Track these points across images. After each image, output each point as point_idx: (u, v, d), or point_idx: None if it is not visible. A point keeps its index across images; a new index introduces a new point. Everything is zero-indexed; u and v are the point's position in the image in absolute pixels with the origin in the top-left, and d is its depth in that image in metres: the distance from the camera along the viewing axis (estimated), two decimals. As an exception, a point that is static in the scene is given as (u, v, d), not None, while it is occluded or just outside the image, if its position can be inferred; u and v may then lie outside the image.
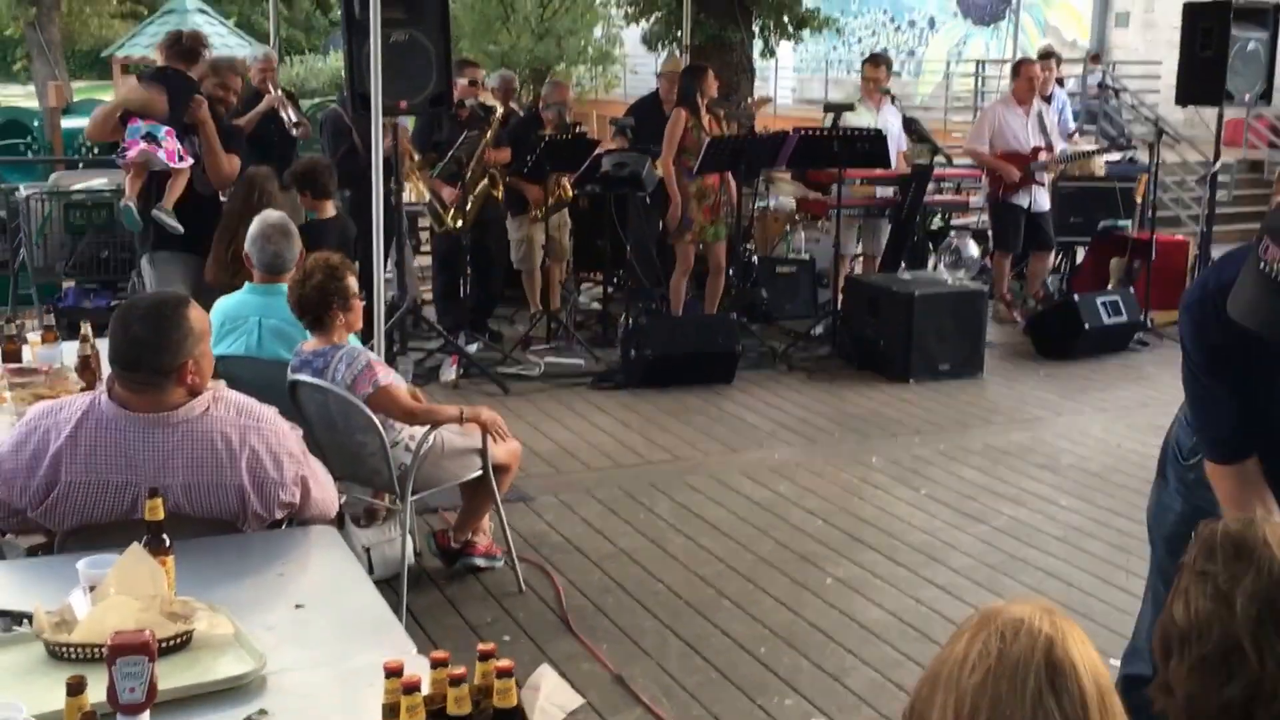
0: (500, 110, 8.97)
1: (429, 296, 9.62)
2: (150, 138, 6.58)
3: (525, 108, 10.01)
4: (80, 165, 12.54)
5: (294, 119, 9.14)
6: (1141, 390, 8.40)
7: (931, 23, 30.44)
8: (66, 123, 15.47)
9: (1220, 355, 2.85)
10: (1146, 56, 21.46)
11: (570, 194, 9.46)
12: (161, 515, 2.81)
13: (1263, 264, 2.47)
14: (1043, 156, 9.87)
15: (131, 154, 6.59)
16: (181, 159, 6.68)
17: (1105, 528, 5.99)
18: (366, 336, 6.66)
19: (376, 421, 4.67)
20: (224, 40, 15.93)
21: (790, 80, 29.94)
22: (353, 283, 4.76)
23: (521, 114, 9.81)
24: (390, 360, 7.12)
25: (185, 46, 6.80)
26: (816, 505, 6.20)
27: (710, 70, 9.28)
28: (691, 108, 8.83)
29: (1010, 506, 6.26)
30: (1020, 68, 10.21)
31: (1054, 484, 6.61)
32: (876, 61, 9.99)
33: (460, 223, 8.69)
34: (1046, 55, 11.69)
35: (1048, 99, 10.75)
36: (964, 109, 22.83)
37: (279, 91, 9.26)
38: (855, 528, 5.93)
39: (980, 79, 22.03)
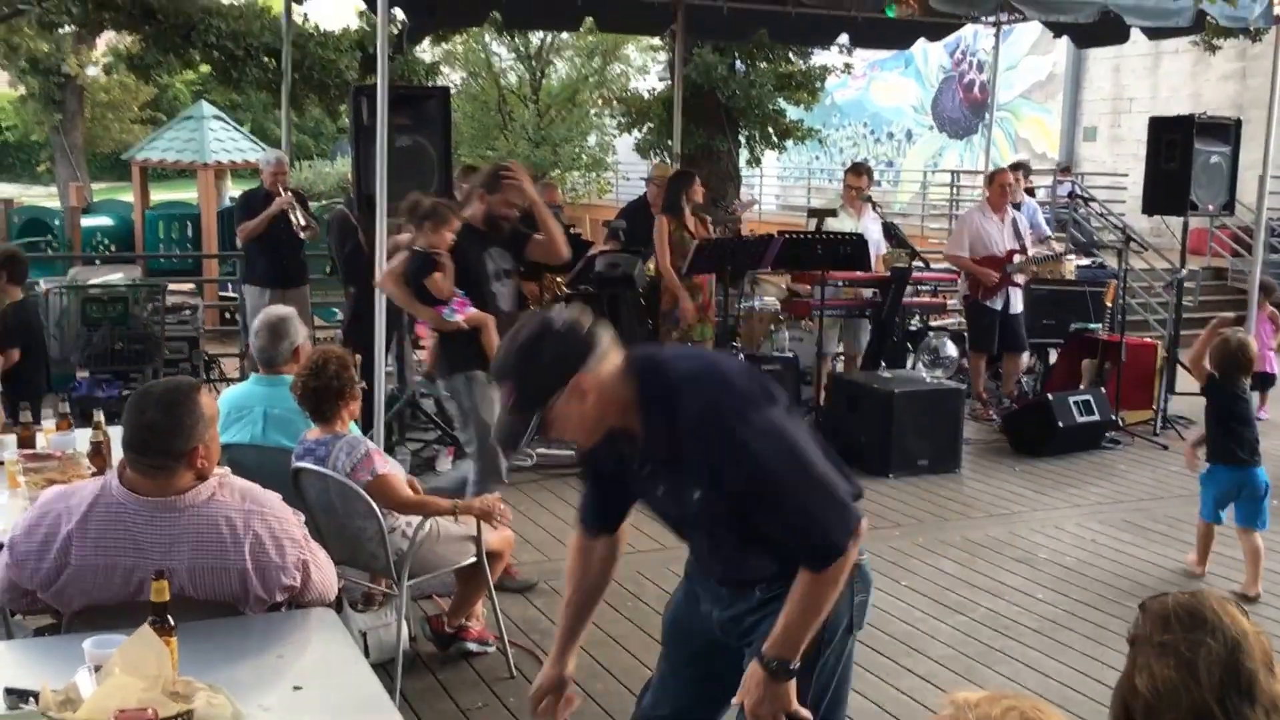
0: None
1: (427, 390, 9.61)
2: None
3: (523, 210, 10.05)
4: (97, 261, 12.59)
5: (302, 222, 9.21)
6: (1114, 486, 8.39)
7: (909, 135, 30.86)
8: (86, 221, 15.57)
9: (588, 458, 3.20)
10: (1113, 168, 21.72)
11: (563, 290, 9.48)
12: (166, 597, 2.79)
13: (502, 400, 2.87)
14: (1017, 258, 9.98)
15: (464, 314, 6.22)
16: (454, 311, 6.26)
17: (1081, 620, 5.94)
18: (366, 427, 6.65)
19: (376, 508, 4.65)
20: (237, 145, 16.06)
21: (774, 187, 30.28)
22: (353, 374, 4.78)
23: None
24: (389, 450, 7.10)
25: (428, 220, 6.24)
26: (800, 594, 6.15)
27: (695, 176, 9.38)
28: (674, 214, 8.93)
29: (988, 598, 6.22)
30: (994, 176, 10.35)
31: (1030, 577, 6.57)
32: (859, 171, 10.10)
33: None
34: (1017, 167, 11.84)
35: (1018, 206, 10.86)
36: (939, 216, 23.06)
37: (290, 194, 9.33)
38: (837, 617, 5.88)
39: (955, 188, 22.28)
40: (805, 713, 2.95)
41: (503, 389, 2.85)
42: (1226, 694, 1.82)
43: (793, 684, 2.91)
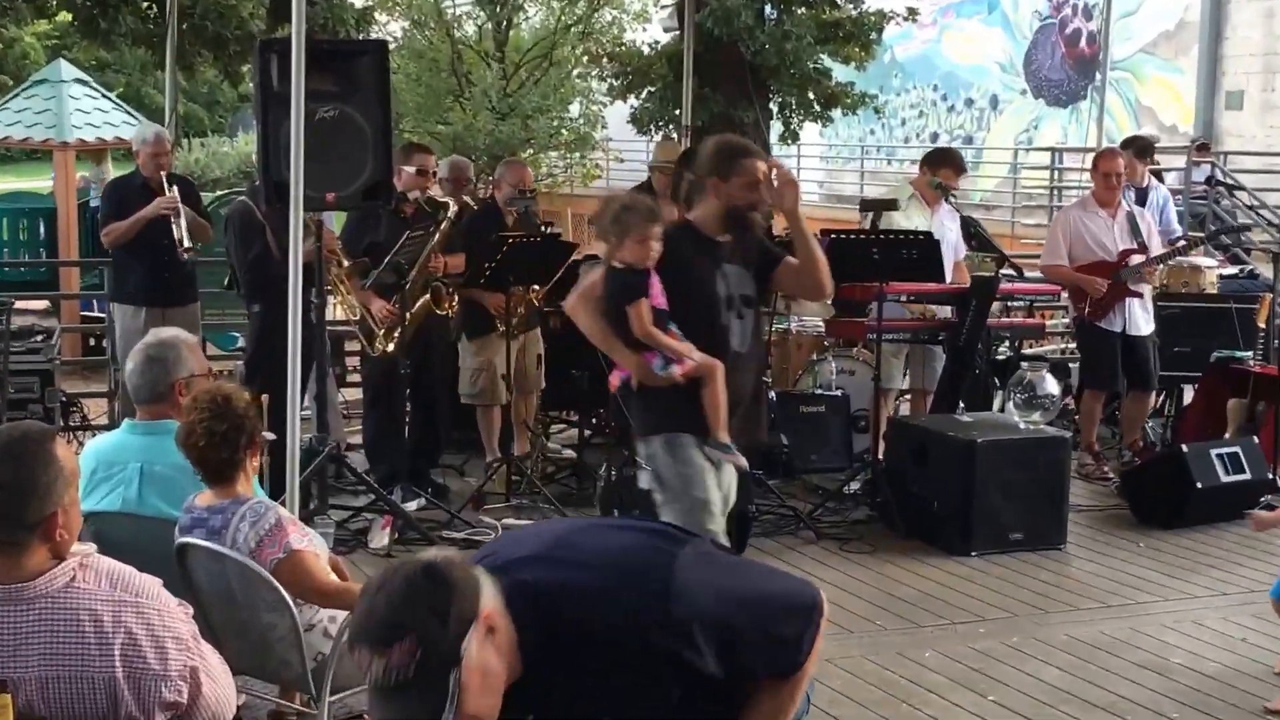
0: (454, 208, 8.97)
1: (357, 439, 9.61)
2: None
3: (483, 200, 10.05)
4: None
5: (186, 243, 8.90)
6: (1271, 568, 8.34)
7: (994, 102, 30.97)
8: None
9: None
10: (1266, 145, 21.81)
11: (539, 306, 9.43)
12: (11, 717, 2.77)
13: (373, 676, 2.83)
14: (1134, 260, 9.86)
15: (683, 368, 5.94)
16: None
17: (1227, 747, 5.92)
18: (277, 490, 6.64)
19: (288, 598, 4.63)
20: (107, 118, 16.07)
21: (817, 172, 30.37)
22: (254, 417, 4.76)
23: (476, 208, 9.75)
24: (305, 520, 7.08)
25: (614, 229, 5.90)
26: (853, 714, 6.13)
27: None
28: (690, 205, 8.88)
29: (1105, 718, 6.20)
30: (1098, 161, 10.29)
31: (1160, 690, 6.54)
32: (960, 168, 9.91)
33: (391, 345, 8.65)
34: (1130, 144, 11.80)
35: (1143, 198, 10.85)
36: (1036, 209, 23.06)
37: (174, 190, 9.16)
38: (904, 742, 5.88)
39: (1056, 171, 22.18)
40: None
41: (390, 656, 2.75)
42: None
43: None
